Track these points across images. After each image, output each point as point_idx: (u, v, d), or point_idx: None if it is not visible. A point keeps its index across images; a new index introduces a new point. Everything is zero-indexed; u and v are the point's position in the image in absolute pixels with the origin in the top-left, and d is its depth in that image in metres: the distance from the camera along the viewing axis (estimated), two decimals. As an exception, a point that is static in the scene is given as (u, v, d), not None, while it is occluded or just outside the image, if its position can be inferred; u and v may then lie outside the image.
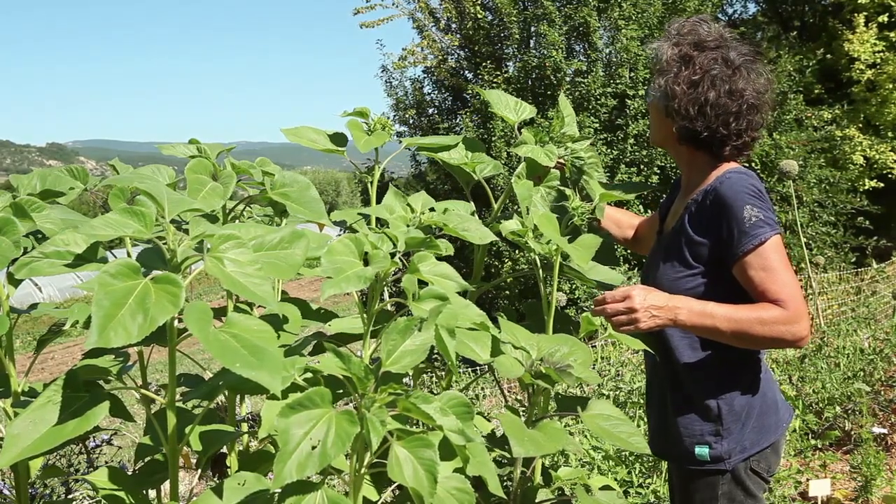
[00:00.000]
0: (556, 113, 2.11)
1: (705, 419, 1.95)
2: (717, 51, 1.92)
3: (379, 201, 2.10)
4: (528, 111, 2.20)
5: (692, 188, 2.00)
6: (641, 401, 4.43)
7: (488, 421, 2.15)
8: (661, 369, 2.04)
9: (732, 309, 1.81)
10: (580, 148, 2.09)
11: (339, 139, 2.16)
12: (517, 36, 12.82)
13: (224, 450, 1.95)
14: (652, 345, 1.92)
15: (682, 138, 1.96)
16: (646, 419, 2.18)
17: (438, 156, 2.20)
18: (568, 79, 12.41)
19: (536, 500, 2.00)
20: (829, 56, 15.28)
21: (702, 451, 1.95)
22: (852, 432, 4.67)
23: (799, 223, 8.00)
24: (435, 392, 1.53)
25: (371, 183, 2.15)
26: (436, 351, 1.53)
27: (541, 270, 2.04)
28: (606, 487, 2.02)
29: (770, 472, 2.01)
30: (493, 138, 11.48)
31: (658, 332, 1.91)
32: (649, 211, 12.01)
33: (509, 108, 2.21)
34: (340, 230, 2.12)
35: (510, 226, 2.01)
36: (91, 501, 2.81)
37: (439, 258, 1.72)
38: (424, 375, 2.13)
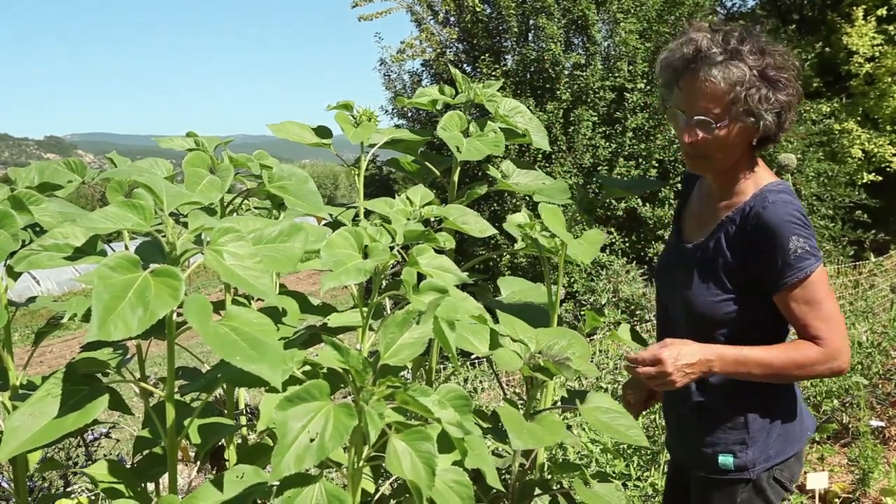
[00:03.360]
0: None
1: (731, 428, 1.90)
2: (762, 54, 1.78)
3: (375, 195, 2.11)
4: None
5: (724, 196, 1.89)
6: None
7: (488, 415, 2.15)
8: None
9: (767, 353, 1.76)
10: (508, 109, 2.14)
11: (323, 132, 2.17)
12: (515, 29, 12.79)
13: (222, 443, 1.95)
14: None
15: (739, 144, 1.83)
16: (666, 426, 2.13)
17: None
18: (566, 72, 12.40)
19: (535, 493, 2.00)
20: (827, 49, 15.25)
21: (726, 460, 1.90)
22: (850, 425, 4.68)
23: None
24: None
25: (358, 175, 2.14)
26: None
27: (546, 265, 2.04)
28: (605, 480, 2.02)
29: (793, 480, 1.96)
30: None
31: (688, 329, 1.86)
32: (647, 205, 12.03)
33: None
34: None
35: (517, 219, 2.01)
36: (89, 494, 2.81)
37: (438, 251, 1.72)
38: (422, 368, 2.13)
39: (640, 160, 12.28)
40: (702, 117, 1.74)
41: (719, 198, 1.89)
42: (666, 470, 2.34)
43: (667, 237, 11.86)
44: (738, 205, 1.84)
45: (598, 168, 12.03)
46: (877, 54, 14.68)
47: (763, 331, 1.84)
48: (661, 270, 2.06)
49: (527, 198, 10.86)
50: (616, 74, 12.36)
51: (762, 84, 1.73)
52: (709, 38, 1.74)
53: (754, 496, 1.91)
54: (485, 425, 1.86)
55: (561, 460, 3.69)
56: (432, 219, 1.98)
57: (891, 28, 14.68)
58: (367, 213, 2.07)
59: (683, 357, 1.73)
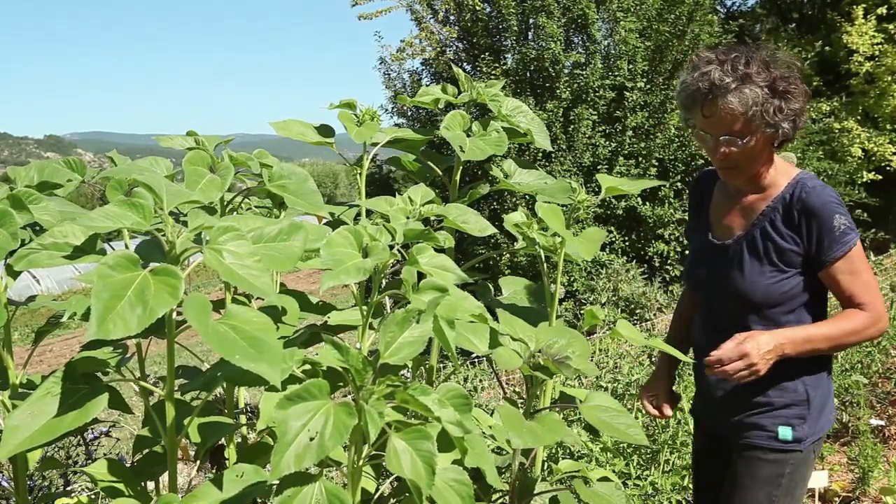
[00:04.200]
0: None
1: (791, 402, 2.04)
2: (768, 70, 1.95)
3: (375, 194, 2.11)
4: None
5: (755, 191, 2.05)
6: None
7: (490, 415, 2.15)
8: None
9: (827, 328, 1.97)
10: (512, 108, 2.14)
11: (325, 131, 2.17)
12: (515, 28, 12.79)
13: (222, 441, 1.95)
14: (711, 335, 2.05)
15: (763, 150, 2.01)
16: (702, 399, 2.25)
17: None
18: (566, 71, 12.40)
19: (535, 492, 2.00)
20: (827, 48, 15.26)
21: (785, 432, 2.04)
22: (850, 424, 4.67)
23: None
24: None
25: (360, 174, 2.14)
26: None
27: (544, 264, 2.04)
28: (604, 479, 2.02)
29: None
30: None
31: (739, 321, 2.04)
32: (647, 204, 12.03)
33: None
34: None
35: (514, 218, 2.01)
36: (89, 493, 2.81)
37: (438, 250, 1.72)
38: (422, 367, 2.13)
39: (640, 159, 12.29)
40: (727, 136, 1.93)
41: (751, 194, 2.07)
42: (694, 441, 2.41)
43: (667, 235, 11.88)
44: (774, 195, 2.03)
45: (598, 167, 12.04)
46: (877, 53, 14.68)
47: (811, 305, 2.03)
48: (699, 273, 2.18)
49: (526, 196, 10.89)
50: (616, 73, 12.36)
51: (774, 98, 1.91)
52: (719, 69, 1.90)
53: (797, 469, 2.06)
54: (484, 424, 1.87)
55: (561, 459, 3.69)
56: (432, 218, 1.98)
57: (891, 27, 14.67)
58: (369, 213, 2.07)
59: (763, 346, 1.90)
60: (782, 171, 2.05)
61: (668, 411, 2.24)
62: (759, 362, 1.89)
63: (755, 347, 1.89)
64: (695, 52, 2.04)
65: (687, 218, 2.35)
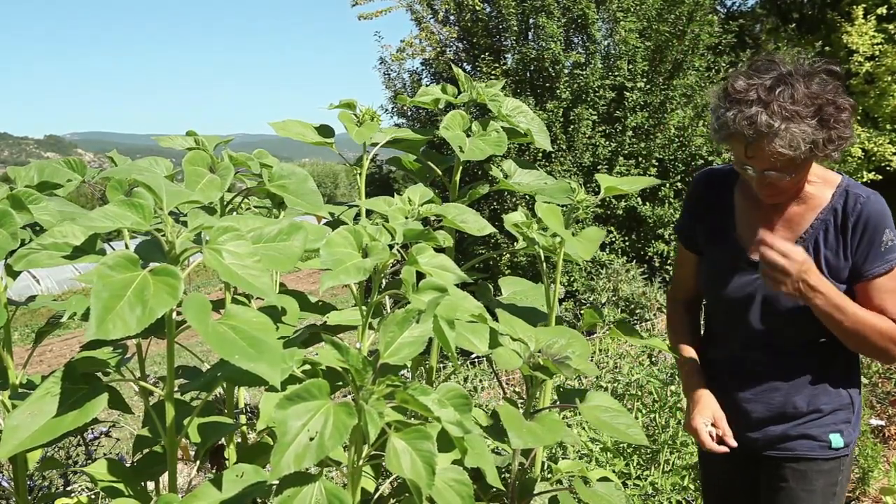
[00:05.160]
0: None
1: (838, 406, 2.01)
2: (810, 75, 1.82)
3: (375, 194, 2.11)
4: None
5: (798, 201, 1.96)
6: (639, 393, 4.43)
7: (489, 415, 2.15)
8: (786, 360, 2.01)
9: (861, 311, 1.87)
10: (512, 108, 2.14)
11: (325, 131, 2.16)
12: (515, 28, 12.79)
13: (222, 441, 1.95)
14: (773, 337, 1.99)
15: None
16: (734, 416, 2.04)
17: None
18: (566, 71, 12.40)
19: (535, 492, 2.00)
20: (827, 48, 15.24)
21: (837, 439, 2.01)
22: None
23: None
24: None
25: (359, 174, 2.14)
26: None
27: (544, 264, 2.04)
28: (604, 479, 2.02)
29: None
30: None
31: (774, 337, 1.99)
32: (647, 203, 12.02)
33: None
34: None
35: (514, 218, 2.01)
36: (89, 493, 2.81)
37: (438, 250, 1.72)
38: (422, 367, 2.13)
39: (640, 159, 12.28)
40: (773, 172, 1.82)
41: (793, 204, 1.97)
42: (708, 465, 2.27)
43: (667, 236, 11.85)
44: (822, 206, 1.95)
45: (598, 167, 12.04)
46: (877, 53, 14.67)
47: None
48: (728, 288, 2.04)
49: (526, 197, 10.88)
50: (616, 73, 12.36)
51: (823, 129, 1.78)
52: (765, 112, 1.75)
53: (845, 473, 2.06)
54: (484, 424, 1.86)
55: (561, 459, 3.69)
56: (431, 217, 1.98)
57: (891, 27, 14.67)
58: (368, 213, 2.07)
59: (809, 272, 1.81)
60: (823, 178, 1.96)
61: (733, 441, 1.97)
62: (793, 276, 1.79)
63: (800, 262, 1.79)
64: (732, 79, 1.84)
65: (683, 218, 2.20)
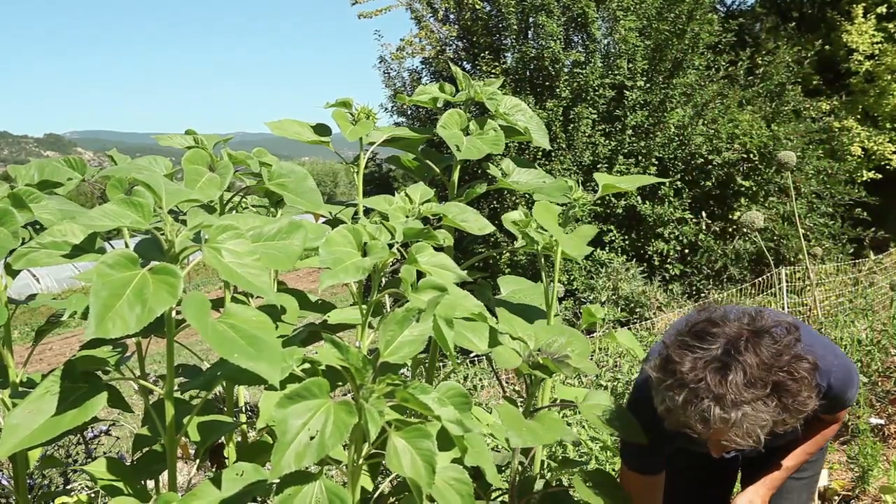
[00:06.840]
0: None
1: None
2: (759, 335, 1.68)
3: (374, 193, 2.11)
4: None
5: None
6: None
7: (489, 413, 2.15)
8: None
9: (797, 456, 2.18)
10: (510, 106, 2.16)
11: (322, 130, 2.16)
12: (515, 27, 12.79)
13: (222, 440, 1.95)
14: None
15: None
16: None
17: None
18: (566, 70, 12.40)
19: (534, 490, 2.00)
20: (827, 47, 15.24)
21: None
22: (849, 423, 4.67)
23: (797, 214, 8.00)
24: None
25: (357, 173, 2.14)
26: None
27: (543, 262, 2.04)
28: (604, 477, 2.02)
29: None
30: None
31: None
32: (647, 202, 12.01)
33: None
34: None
35: (512, 217, 2.01)
36: (89, 492, 2.81)
37: (437, 249, 1.72)
38: (422, 366, 2.13)
39: (640, 157, 12.28)
40: (732, 452, 1.78)
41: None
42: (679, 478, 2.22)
43: (667, 234, 11.83)
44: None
45: (598, 166, 12.03)
46: (876, 52, 14.68)
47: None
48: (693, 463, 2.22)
49: (525, 195, 10.88)
50: (615, 72, 12.36)
51: (781, 410, 1.66)
52: (717, 406, 1.61)
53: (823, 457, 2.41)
54: (484, 423, 1.87)
55: (561, 457, 3.69)
56: (431, 216, 1.98)
57: (890, 26, 14.67)
58: (367, 211, 2.06)
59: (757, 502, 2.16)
60: None
61: None
62: None
63: None
64: (673, 350, 1.67)
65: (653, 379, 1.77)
